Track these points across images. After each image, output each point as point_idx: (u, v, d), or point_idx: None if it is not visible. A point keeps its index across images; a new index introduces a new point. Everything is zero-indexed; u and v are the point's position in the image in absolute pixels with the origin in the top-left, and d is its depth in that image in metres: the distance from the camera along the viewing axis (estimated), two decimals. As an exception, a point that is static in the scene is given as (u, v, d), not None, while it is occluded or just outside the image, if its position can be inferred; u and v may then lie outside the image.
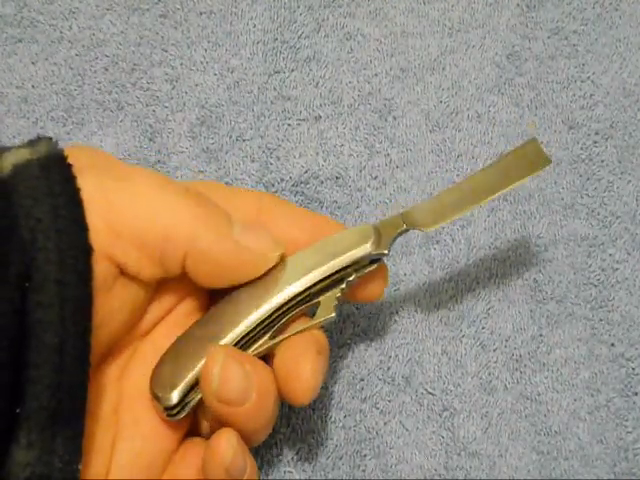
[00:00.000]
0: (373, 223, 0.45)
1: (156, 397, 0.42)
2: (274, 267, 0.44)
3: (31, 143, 0.39)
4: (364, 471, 0.47)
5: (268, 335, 0.44)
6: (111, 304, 0.39)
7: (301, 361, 0.42)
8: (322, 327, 0.45)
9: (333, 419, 0.48)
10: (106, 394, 0.41)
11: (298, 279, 0.44)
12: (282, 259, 0.44)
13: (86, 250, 0.37)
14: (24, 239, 0.36)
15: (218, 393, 0.40)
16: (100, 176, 0.39)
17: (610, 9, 0.58)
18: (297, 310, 0.44)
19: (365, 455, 0.48)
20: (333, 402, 0.49)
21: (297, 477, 0.47)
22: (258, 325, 0.43)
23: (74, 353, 0.36)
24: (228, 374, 0.40)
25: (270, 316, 0.43)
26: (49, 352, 0.35)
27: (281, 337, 0.44)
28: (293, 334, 0.44)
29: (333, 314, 0.44)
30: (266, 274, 0.43)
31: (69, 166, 0.38)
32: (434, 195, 0.47)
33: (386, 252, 0.45)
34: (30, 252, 0.36)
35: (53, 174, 0.37)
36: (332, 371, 0.49)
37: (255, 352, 0.43)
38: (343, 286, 0.45)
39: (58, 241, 0.36)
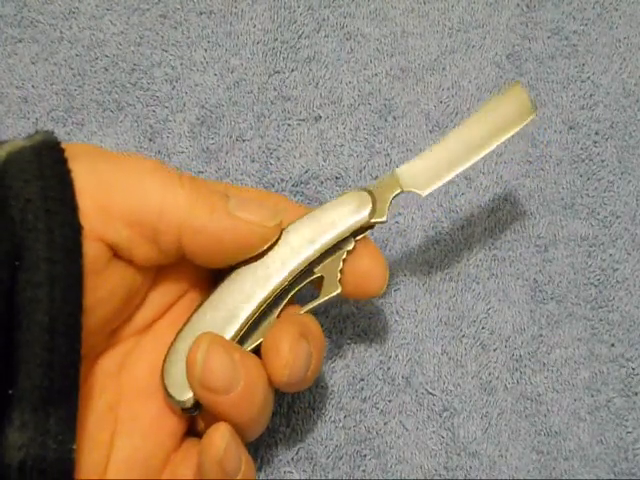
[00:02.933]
0: (367, 187, 0.45)
1: (171, 397, 0.42)
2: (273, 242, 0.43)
3: (29, 135, 0.39)
4: (364, 471, 0.47)
5: (275, 314, 0.43)
6: (104, 287, 0.39)
7: (281, 338, 0.42)
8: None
9: (333, 419, 0.48)
10: (104, 388, 0.41)
11: (299, 253, 0.43)
12: (279, 230, 0.43)
13: (76, 229, 0.37)
14: (14, 219, 0.36)
15: (202, 380, 0.40)
16: (92, 160, 0.39)
17: (610, 9, 0.58)
18: (301, 285, 0.44)
19: (365, 455, 0.48)
20: (333, 402, 0.49)
21: (297, 477, 0.47)
22: (265, 305, 0.43)
23: (65, 331, 0.36)
24: (212, 361, 0.40)
25: (275, 294, 0.43)
26: (40, 331, 0.35)
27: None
28: (300, 313, 0.44)
29: (339, 289, 0.44)
30: (265, 250, 0.43)
31: (61, 150, 0.38)
32: (424, 152, 0.45)
33: (384, 220, 0.44)
34: (20, 232, 0.36)
35: (44, 158, 0.37)
36: (332, 371, 0.49)
37: (260, 339, 0.43)
38: (344, 256, 0.44)
39: (47, 221, 0.36)
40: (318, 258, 0.43)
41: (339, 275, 0.44)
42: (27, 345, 0.35)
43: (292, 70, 0.56)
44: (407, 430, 0.48)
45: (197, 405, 0.42)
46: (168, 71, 0.56)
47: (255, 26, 0.57)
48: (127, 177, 0.40)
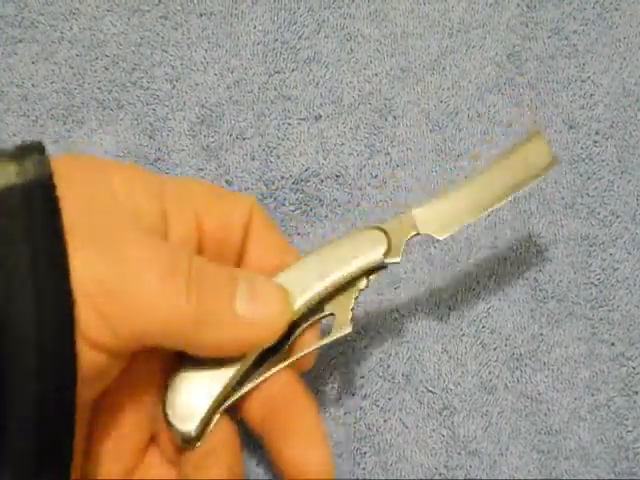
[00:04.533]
0: (383, 225, 0.45)
1: (173, 428, 0.41)
2: (282, 272, 0.43)
3: (20, 154, 0.36)
4: (364, 469, 0.47)
5: (283, 351, 0.43)
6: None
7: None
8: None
9: (333, 416, 0.48)
10: None
11: (309, 288, 0.43)
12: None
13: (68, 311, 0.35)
14: None
15: None
16: (95, 251, 0.37)
17: (610, 9, 0.58)
18: (311, 321, 0.43)
19: (365, 452, 0.48)
20: (333, 399, 0.48)
21: (297, 474, 0.47)
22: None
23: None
24: None
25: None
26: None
27: (295, 356, 0.43)
28: (309, 351, 0.43)
29: (350, 328, 0.43)
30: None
31: (58, 222, 0.35)
32: (442, 194, 0.45)
33: (398, 260, 0.44)
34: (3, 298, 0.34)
35: (35, 231, 0.35)
36: (332, 368, 0.49)
37: (268, 372, 0.42)
38: (356, 295, 0.44)
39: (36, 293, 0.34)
40: (329, 294, 0.43)
41: (351, 314, 0.43)
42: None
43: (292, 70, 0.56)
44: (407, 428, 0.48)
45: (199, 436, 0.41)
46: (168, 71, 0.56)
47: (255, 27, 0.57)
48: (129, 286, 0.37)
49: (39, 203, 0.35)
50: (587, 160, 0.55)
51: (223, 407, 0.42)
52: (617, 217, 0.53)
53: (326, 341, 0.43)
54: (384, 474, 0.47)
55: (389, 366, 0.49)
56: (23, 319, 0.34)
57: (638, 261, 0.52)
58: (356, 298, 0.44)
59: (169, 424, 0.41)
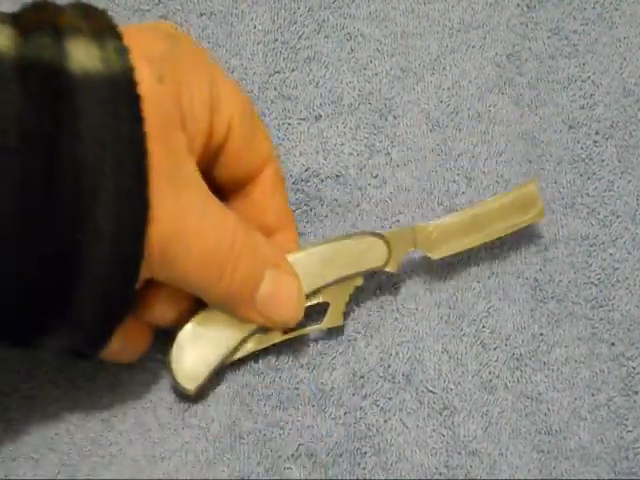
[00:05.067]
0: (386, 234, 0.49)
1: (178, 384, 0.46)
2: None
3: (99, 32, 0.38)
4: (364, 468, 0.47)
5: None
6: None
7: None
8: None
9: (333, 416, 0.48)
10: None
11: (308, 283, 0.47)
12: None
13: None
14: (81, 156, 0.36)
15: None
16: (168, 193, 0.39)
17: (610, 9, 0.58)
18: (306, 305, 0.47)
19: (365, 452, 0.47)
20: (333, 399, 0.48)
21: (297, 474, 0.47)
22: None
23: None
24: None
25: None
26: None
27: (288, 336, 0.48)
28: (302, 333, 0.48)
29: (341, 322, 0.48)
30: None
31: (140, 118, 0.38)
32: (445, 217, 0.50)
33: (395, 272, 0.49)
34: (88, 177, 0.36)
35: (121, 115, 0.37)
36: (332, 368, 0.49)
37: (264, 343, 0.47)
38: (352, 292, 0.48)
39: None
40: (325, 287, 0.48)
41: (344, 308, 0.48)
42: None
43: (292, 70, 0.56)
44: (407, 428, 0.48)
45: (199, 393, 0.47)
46: (168, 71, 0.56)
47: (255, 27, 0.57)
48: (198, 219, 0.41)
49: (124, 102, 0.37)
50: (587, 160, 0.55)
51: (220, 367, 0.47)
52: (617, 217, 0.53)
53: (318, 328, 0.48)
54: (384, 474, 0.47)
55: (389, 366, 0.49)
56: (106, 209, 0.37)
57: (638, 261, 0.52)
58: (351, 294, 0.48)
59: (173, 377, 0.46)
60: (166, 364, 0.46)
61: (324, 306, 0.48)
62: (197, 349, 0.46)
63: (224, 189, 0.47)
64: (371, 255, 0.48)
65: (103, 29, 0.38)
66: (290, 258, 0.47)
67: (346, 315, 0.49)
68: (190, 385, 0.46)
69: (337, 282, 0.48)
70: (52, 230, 0.36)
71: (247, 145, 0.45)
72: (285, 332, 0.47)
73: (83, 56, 0.37)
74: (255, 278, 0.44)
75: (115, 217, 0.37)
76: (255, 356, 0.49)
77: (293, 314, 0.46)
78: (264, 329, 0.47)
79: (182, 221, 0.40)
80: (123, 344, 0.44)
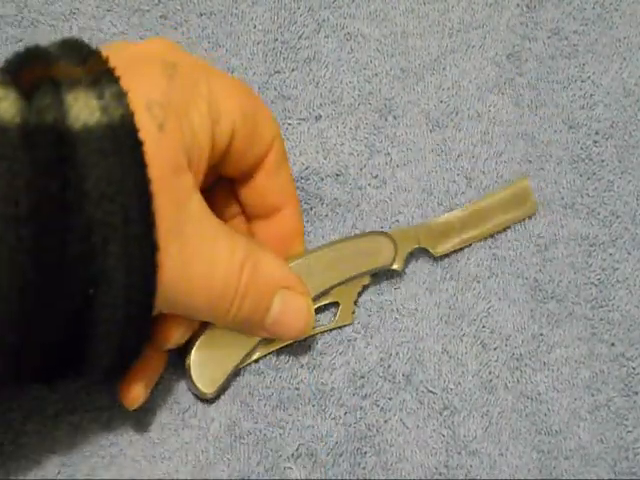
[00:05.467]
0: (391, 233, 0.51)
1: (195, 387, 0.47)
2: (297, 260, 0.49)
3: (94, 82, 0.38)
4: (364, 468, 0.47)
5: None
6: None
7: None
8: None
9: (333, 416, 0.48)
10: None
11: (318, 282, 0.49)
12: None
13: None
14: (89, 210, 0.37)
15: None
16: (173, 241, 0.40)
17: (610, 9, 0.58)
18: (316, 305, 0.48)
19: (365, 452, 0.47)
20: (333, 399, 0.48)
21: (297, 473, 0.47)
22: None
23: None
24: None
25: None
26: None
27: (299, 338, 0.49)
28: (313, 334, 0.49)
29: (351, 320, 0.50)
30: None
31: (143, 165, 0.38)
32: (445, 214, 0.52)
33: (401, 268, 0.50)
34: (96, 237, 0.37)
35: (127, 175, 0.37)
36: (332, 367, 0.49)
37: (277, 345, 0.49)
38: (360, 290, 0.50)
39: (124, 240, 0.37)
40: (334, 287, 0.49)
41: (354, 307, 0.50)
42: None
43: (292, 70, 0.56)
44: (407, 428, 0.48)
45: (216, 398, 0.48)
46: (168, 71, 0.56)
47: (255, 27, 0.57)
48: (204, 260, 0.42)
49: (126, 151, 0.38)
50: (587, 160, 0.55)
51: (236, 369, 0.48)
52: (617, 217, 0.53)
53: (330, 327, 0.49)
54: (384, 474, 0.47)
55: (389, 366, 0.49)
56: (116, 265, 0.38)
57: (638, 261, 0.52)
58: (359, 293, 0.50)
59: (192, 382, 0.47)
60: (186, 368, 0.47)
61: (332, 305, 0.50)
62: (215, 354, 0.47)
63: (228, 177, 0.48)
64: (378, 254, 0.50)
65: (99, 75, 0.39)
66: (298, 261, 0.48)
67: (355, 313, 0.50)
68: (209, 389, 0.47)
69: (346, 282, 0.49)
70: (66, 293, 0.37)
71: (250, 140, 0.45)
72: None
73: (83, 110, 0.37)
74: (263, 307, 0.45)
75: (125, 265, 0.38)
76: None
77: (302, 330, 0.47)
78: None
79: (189, 269, 0.41)
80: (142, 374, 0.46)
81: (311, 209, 0.53)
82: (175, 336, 0.45)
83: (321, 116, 0.55)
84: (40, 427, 0.47)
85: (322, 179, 0.53)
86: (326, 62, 0.56)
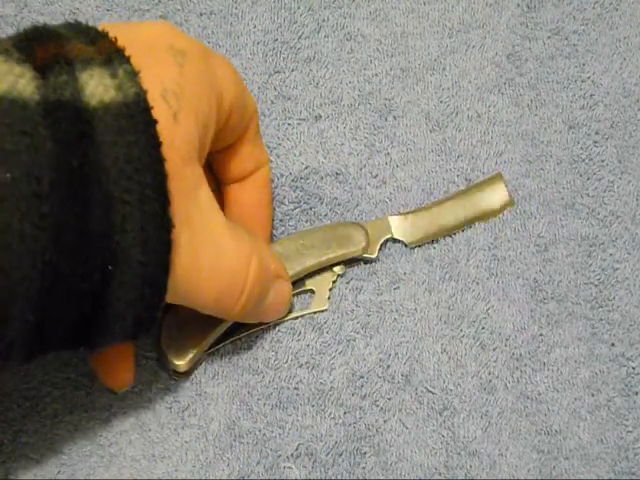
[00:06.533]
0: (362, 224, 0.51)
1: (167, 360, 0.48)
2: (272, 245, 0.50)
3: (107, 61, 0.39)
4: (364, 468, 0.47)
5: None
6: None
7: None
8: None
9: (333, 415, 0.48)
10: None
11: (296, 265, 0.50)
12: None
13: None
14: (109, 191, 0.37)
15: None
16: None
17: (610, 9, 0.58)
18: (292, 293, 0.50)
19: (365, 452, 0.47)
20: (333, 398, 0.48)
21: (297, 473, 0.47)
22: None
23: None
24: None
25: None
26: None
27: (277, 321, 0.50)
28: (290, 319, 0.50)
29: (326, 306, 0.51)
30: None
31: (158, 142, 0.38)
32: (419, 208, 0.53)
33: (375, 257, 0.51)
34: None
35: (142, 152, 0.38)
36: (331, 367, 0.49)
37: (252, 329, 0.50)
38: (334, 278, 0.51)
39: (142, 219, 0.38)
40: (310, 273, 0.50)
41: (328, 293, 0.51)
42: None
43: (292, 70, 0.56)
44: (407, 428, 0.48)
45: (189, 372, 0.48)
46: (168, 71, 0.56)
47: (255, 27, 0.57)
48: (213, 251, 0.42)
49: (142, 129, 0.38)
50: (587, 160, 0.55)
51: (211, 350, 0.49)
52: (617, 217, 0.53)
53: (304, 312, 0.50)
54: (384, 474, 0.47)
55: (388, 366, 0.49)
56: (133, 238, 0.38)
57: (638, 261, 0.52)
58: (334, 281, 0.51)
59: (163, 356, 0.48)
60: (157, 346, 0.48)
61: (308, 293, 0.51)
62: (187, 330, 0.48)
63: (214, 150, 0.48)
64: (349, 241, 0.51)
65: (111, 55, 0.39)
66: (275, 244, 0.50)
67: (329, 300, 0.51)
68: (179, 361, 0.47)
69: (319, 266, 0.50)
70: (87, 269, 0.37)
71: (242, 114, 0.46)
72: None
73: (98, 87, 0.37)
74: (263, 297, 0.46)
75: (142, 243, 0.38)
76: (254, 355, 0.49)
77: (283, 313, 0.49)
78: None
79: (198, 259, 0.41)
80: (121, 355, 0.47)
81: (311, 209, 0.53)
82: None
83: (321, 116, 0.55)
84: (40, 427, 0.47)
85: (322, 178, 0.53)
86: (326, 62, 0.57)
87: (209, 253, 0.42)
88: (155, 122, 0.38)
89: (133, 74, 0.38)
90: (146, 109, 0.38)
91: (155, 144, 0.38)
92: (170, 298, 0.41)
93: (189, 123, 0.40)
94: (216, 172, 0.49)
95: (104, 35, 0.40)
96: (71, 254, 0.36)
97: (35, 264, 0.35)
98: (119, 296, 0.38)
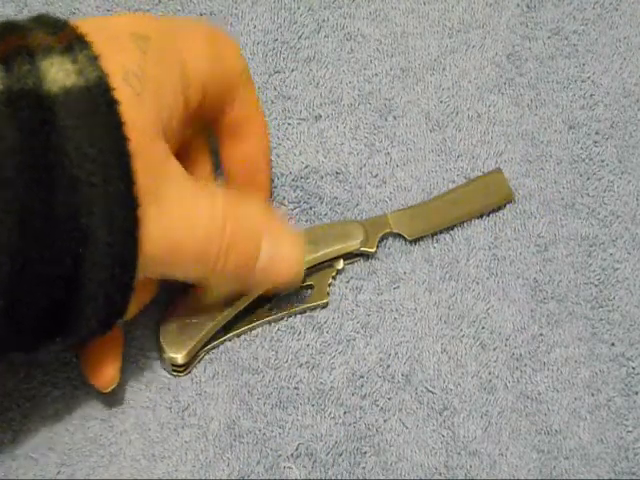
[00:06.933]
0: (361, 220, 0.52)
1: (165, 353, 0.48)
2: None
3: (67, 48, 0.39)
4: (364, 468, 0.47)
5: (267, 307, 0.50)
6: None
7: None
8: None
9: (333, 415, 0.48)
10: None
11: None
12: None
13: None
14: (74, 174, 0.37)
15: None
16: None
17: (610, 9, 0.58)
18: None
19: (365, 452, 0.47)
20: (333, 398, 0.48)
21: (297, 473, 0.47)
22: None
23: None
24: None
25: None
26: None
27: (276, 315, 0.50)
28: (288, 313, 0.50)
29: (326, 300, 0.51)
30: None
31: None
32: (418, 203, 0.53)
33: (373, 251, 0.51)
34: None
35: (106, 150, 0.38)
36: (331, 367, 0.49)
37: (251, 323, 0.50)
38: (334, 274, 0.51)
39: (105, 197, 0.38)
40: (309, 269, 0.50)
41: (328, 288, 0.51)
42: None
43: (292, 70, 0.56)
44: (407, 428, 0.48)
45: (187, 366, 0.48)
46: (168, 71, 0.56)
47: (255, 27, 0.57)
48: (185, 219, 0.42)
49: (103, 111, 0.38)
50: (587, 160, 0.55)
51: (209, 346, 0.49)
52: (617, 217, 0.53)
53: (305, 306, 0.51)
54: (384, 474, 0.47)
55: (388, 366, 0.49)
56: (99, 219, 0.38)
57: (638, 261, 0.52)
58: (334, 276, 0.51)
59: (162, 350, 0.48)
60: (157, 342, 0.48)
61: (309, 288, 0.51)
62: (185, 324, 0.48)
63: (203, 120, 0.49)
64: (348, 237, 0.51)
65: (72, 42, 0.39)
66: None
67: (329, 294, 0.51)
68: (176, 354, 0.48)
69: (320, 262, 0.51)
70: (56, 253, 0.38)
71: (220, 82, 0.46)
72: (273, 311, 0.50)
73: (59, 74, 0.38)
74: (251, 255, 0.45)
75: (108, 223, 0.38)
76: (254, 355, 0.49)
77: (292, 277, 0.47)
78: (252, 307, 0.49)
79: (170, 229, 0.41)
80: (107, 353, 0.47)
81: (311, 208, 0.53)
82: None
83: (321, 116, 0.55)
84: (40, 427, 0.47)
85: (322, 177, 0.53)
86: (326, 62, 0.57)
87: (181, 222, 0.42)
88: (117, 102, 0.39)
89: (94, 58, 0.39)
90: (107, 91, 0.39)
91: (117, 124, 0.38)
92: (149, 273, 0.42)
93: (153, 102, 0.41)
94: (212, 127, 0.50)
95: (67, 25, 0.40)
96: (38, 238, 0.37)
97: (2, 248, 0.36)
98: (91, 277, 0.39)
